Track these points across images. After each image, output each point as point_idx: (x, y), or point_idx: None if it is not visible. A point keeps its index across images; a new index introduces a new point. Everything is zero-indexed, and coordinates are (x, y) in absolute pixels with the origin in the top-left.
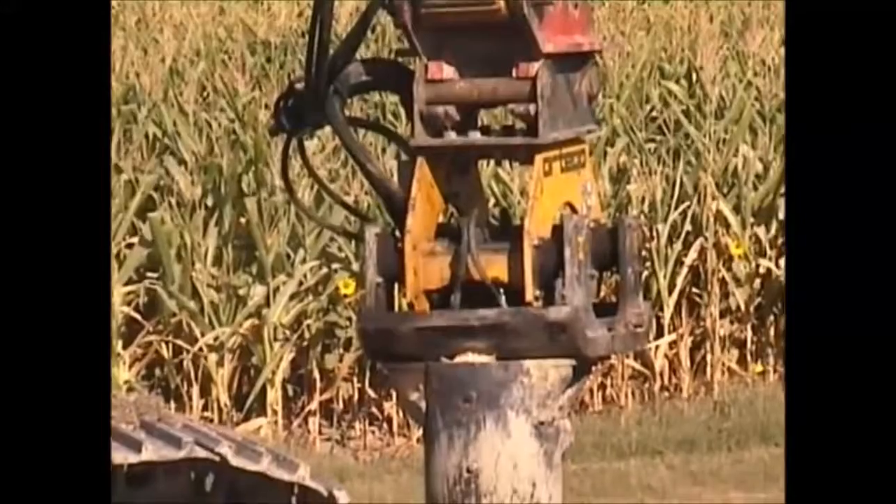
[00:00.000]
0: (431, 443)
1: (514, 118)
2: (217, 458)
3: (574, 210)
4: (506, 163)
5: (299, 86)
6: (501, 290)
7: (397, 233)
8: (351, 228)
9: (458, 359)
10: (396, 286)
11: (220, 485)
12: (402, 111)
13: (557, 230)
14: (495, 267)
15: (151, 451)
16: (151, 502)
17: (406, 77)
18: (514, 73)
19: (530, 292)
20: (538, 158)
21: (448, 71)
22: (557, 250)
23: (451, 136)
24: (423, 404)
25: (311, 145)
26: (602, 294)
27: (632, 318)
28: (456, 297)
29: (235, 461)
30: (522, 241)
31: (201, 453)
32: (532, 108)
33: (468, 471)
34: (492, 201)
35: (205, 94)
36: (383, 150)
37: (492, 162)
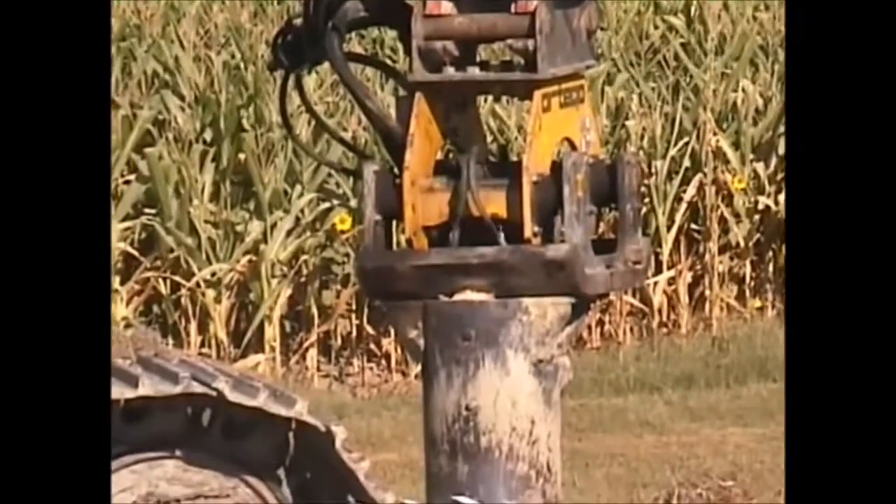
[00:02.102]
0: (430, 381)
1: (512, 53)
2: (214, 394)
3: (573, 146)
4: (503, 98)
5: (297, 22)
6: (500, 227)
7: (395, 170)
8: (349, 165)
9: (457, 297)
10: (395, 224)
11: (217, 420)
12: (399, 46)
13: (556, 166)
14: (494, 203)
15: (148, 387)
16: (148, 438)
17: (404, 12)
18: (512, 9)
19: (529, 229)
20: (537, 94)
21: (446, 6)
22: (556, 187)
23: (450, 72)
24: (421, 342)
25: (309, 80)
26: (601, 230)
27: (630, 256)
28: (455, 235)
29: (232, 396)
30: (521, 177)
31: (198, 388)
32: (531, 43)
33: (467, 408)
34: (489, 137)
35: (204, 29)
36: (381, 87)
37: (489, 98)
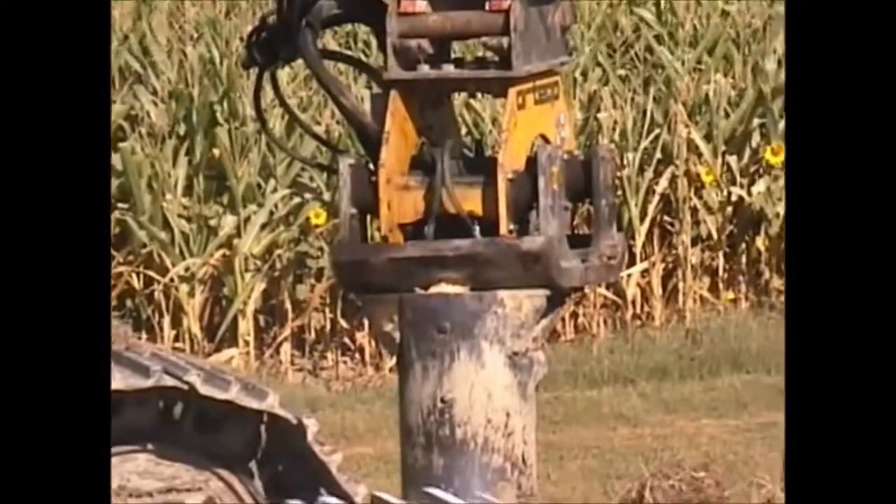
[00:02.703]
0: (406, 373)
1: (486, 50)
2: (185, 387)
3: (548, 142)
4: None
5: (271, 20)
6: (475, 223)
7: (371, 165)
8: (323, 160)
9: (433, 289)
10: (370, 218)
11: (189, 413)
12: (372, 40)
13: (531, 162)
14: (470, 200)
15: (119, 381)
16: (119, 431)
17: (379, 10)
18: (487, 6)
19: (504, 225)
20: (512, 91)
21: (421, 4)
22: (532, 182)
23: (425, 69)
24: (397, 335)
25: (282, 74)
26: (575, 226)
27: (605, 250)
28: (430, 228)
29: (204, 389)
30: (497, 174)
31: (169, 382)
32: (505, 41)
33: (442, 401)
34: (463, 129)
35: (177, 23)
36: (355, 80)
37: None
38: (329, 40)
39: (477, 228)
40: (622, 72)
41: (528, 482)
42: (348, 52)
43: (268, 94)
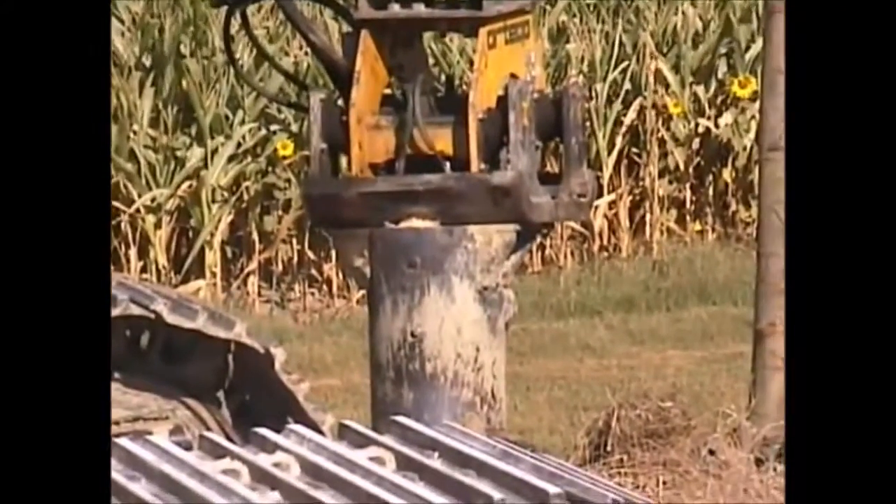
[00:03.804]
0: (375, 308)
1: None
2: (152, 316)
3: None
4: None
5: None
6: (447, 164)
7: (341, 101)
8: (292, 95)
9: (403, 224)
10: (341, 156)
11: (156, 342)
12: None
13: (502, 101)
14: (441, 140)
15: None
16: None
17: None
18: None
19: (475, 164)
20: (482, 31)
21: None
22: (502, 120)
23: (395, 9)
24: (367, 270)
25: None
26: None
27: (576, 188)
28: (400, 164)
29: (171, 318)
30: (467, 113)
31: (136, 310)
32: None
33: (412, 335)
34: (431, 61)
35: None
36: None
37: None
38: None
39: (448, 167)
40: (590, 2)
41: (496, 416)
42: None
43: (235, 24)
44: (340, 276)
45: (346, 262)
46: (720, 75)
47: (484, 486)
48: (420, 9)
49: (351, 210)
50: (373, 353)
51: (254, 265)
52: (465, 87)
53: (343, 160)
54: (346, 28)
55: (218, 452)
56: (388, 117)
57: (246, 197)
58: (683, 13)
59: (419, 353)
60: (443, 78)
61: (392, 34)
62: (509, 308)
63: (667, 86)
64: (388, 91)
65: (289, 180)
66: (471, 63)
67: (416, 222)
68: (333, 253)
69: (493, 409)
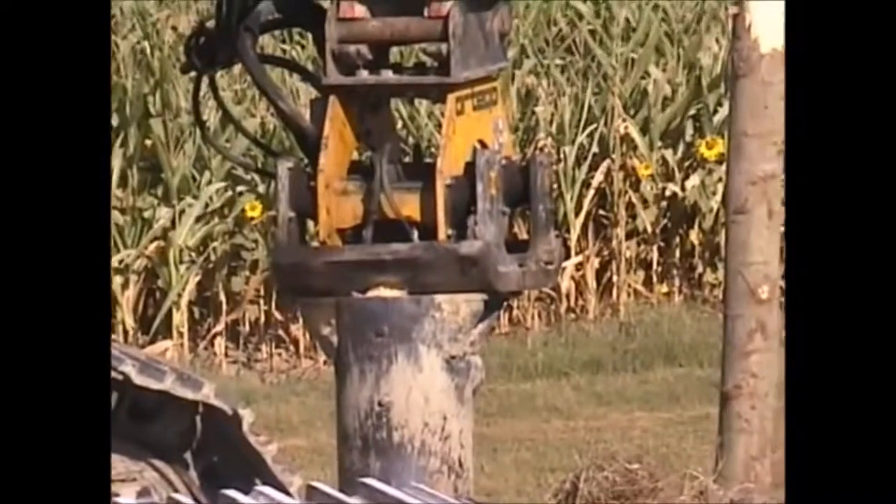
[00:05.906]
0: (343, 376)
1: (425, 56)
2: (120, 377)
3: (486, 148)
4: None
5: (210, 24)
6: (414, 229)
7: (309, 168)
8: (261, 165)
9: (371, 293)
10: (309, 222)
11: (124, 403)
12: (309, 38)
13: (470, 167)
14: (408, 206)
15: None
16: None
17: (318, 15)
18: (426, 13)
19: (443, 231)
20: (450, 97)
21: (360, 9)
22: (470, 188)
23: (364, 75)
24: (334, 339)
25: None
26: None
27: (543, 255)
28: (368, 232)
29: (139, 379)
30: (435, 179)
31: None
32: (444, 47)
33: (380, 404)
34: (399, 124)
35: (111, 14)
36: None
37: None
38: (267, 41)
39: (415, 234)
40: (559, 61)
41: (464, 486)
42: (287, 57)
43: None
44: (307, 336)
45: (313, 331)
46: (688, 138)
47: None
48: (388, 75)
49: (319, 279)
50: (340, 422)
51: (221, 326)
52: (433, 152)
53: (311, 225)
54: (313, 93)
55: None
56: (356, 182)
57: (213, 257)
58: (651, 75)
59: (386, 422)
60: (410, 141)
61: (360, 100)
62: (477, 375)
63: (635, 148)
64: (355, 156)
65: (256, 241)
66: (439, 126)
67: (383, 291)
68: (303, 324)
69: (460, 477)
